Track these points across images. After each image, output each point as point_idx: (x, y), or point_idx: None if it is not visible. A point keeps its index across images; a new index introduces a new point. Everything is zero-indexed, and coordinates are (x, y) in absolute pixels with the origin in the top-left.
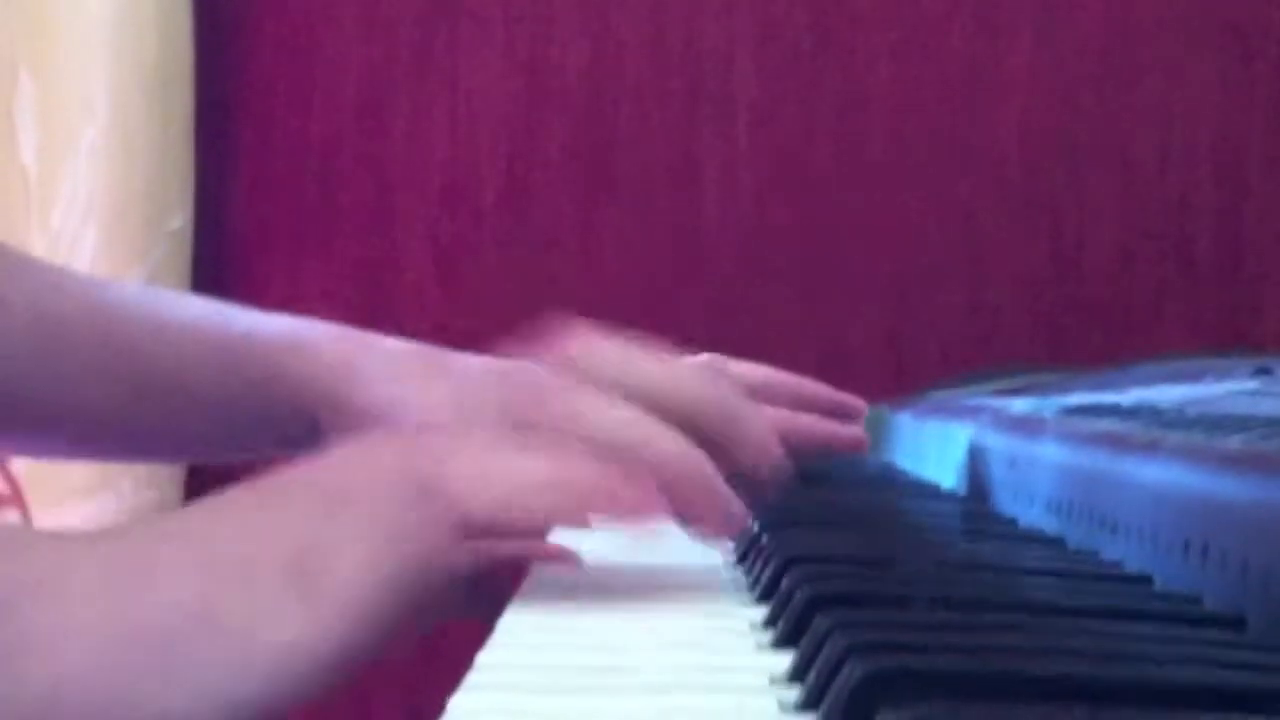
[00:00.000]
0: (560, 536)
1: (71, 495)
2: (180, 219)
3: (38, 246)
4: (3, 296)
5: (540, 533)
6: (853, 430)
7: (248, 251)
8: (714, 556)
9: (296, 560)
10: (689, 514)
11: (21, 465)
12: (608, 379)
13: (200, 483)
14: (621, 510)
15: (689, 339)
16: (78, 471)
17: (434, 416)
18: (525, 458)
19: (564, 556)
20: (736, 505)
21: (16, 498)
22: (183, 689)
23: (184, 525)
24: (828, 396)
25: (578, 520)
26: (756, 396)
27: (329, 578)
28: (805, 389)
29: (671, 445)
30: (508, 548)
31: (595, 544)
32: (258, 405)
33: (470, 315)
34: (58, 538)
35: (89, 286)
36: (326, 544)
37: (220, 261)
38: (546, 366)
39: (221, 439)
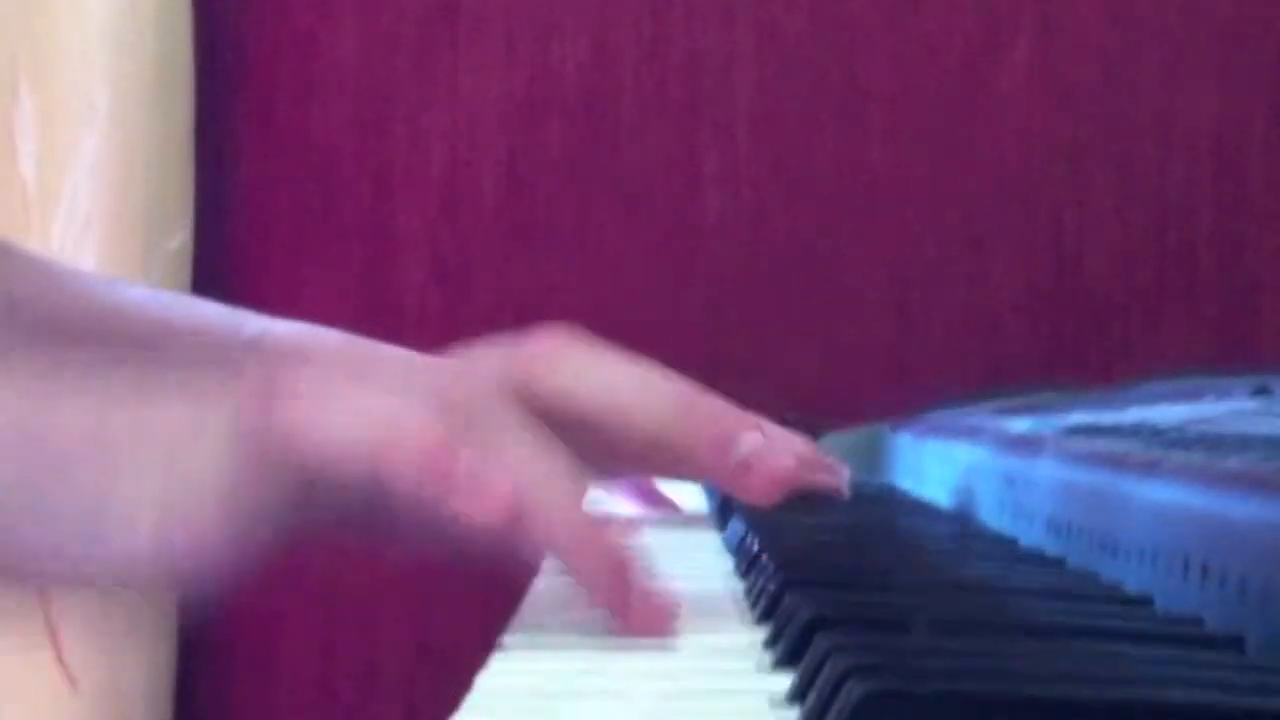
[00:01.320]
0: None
1: None
2: (180, 231)
3: None
4: (10, 293)
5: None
6: (832, 480)
7: (248, 256)
8: (713, 577)
9: (165, 449)
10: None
11: None
12: (564, 379)
13: None
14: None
15: (688, 346)
16: None
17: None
18: (380, 398)
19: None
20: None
21: None
22: (63, 516)
23: (109, 365)
24: (809, 457)
25: (398, 481)
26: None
27: (178, 475)
28: (789, 447)
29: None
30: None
31: None
32: None
33: (470, 321)
34: None
35: (97, 285)
36: (183, 447)
37: (221, 265)
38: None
39: None
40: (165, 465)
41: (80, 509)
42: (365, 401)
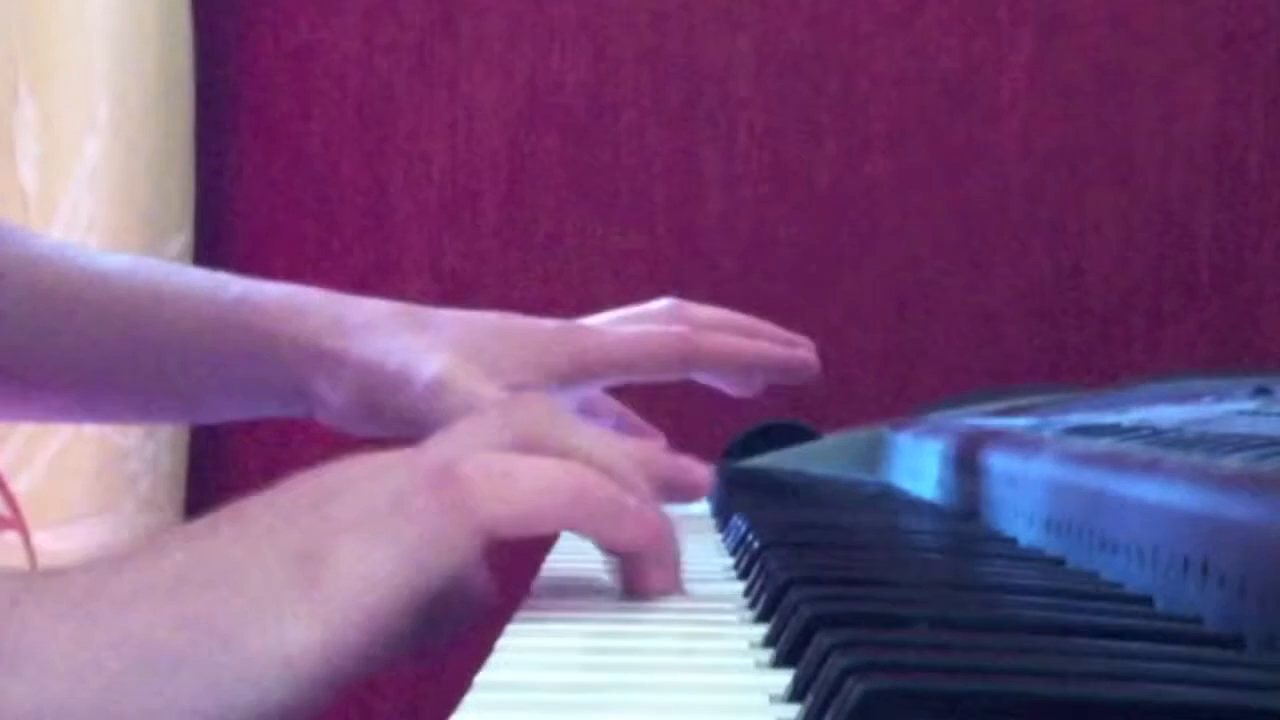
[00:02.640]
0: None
1: (72, 516)
2: (181, 236)
3: None
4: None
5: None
6: (803, 354)
7: (248, 260)
8: (713, 575)
9: (295, 563)
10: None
11: (22, 486)
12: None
13: (201, 502)
14: (628, 533)
15: None
16: (79, 493)
17: (423, 363)
18: (543, 462)
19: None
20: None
21: (17, 519)
22: (191, 705)
23: (166, 545)
24: (774, 331)
25: (595, 533)
26: (714, 329)
27: (330, 579)
28: (754, 325)
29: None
30: None
31: (591, 560)
32: (251, 365)
33: None
34: (18, 572)
35: (86, 257)
36: (325, 545)
37: (221, 268)
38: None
39: (218, 399)
40: (304, 593)
41: (211, 685)
42: (537, 470)
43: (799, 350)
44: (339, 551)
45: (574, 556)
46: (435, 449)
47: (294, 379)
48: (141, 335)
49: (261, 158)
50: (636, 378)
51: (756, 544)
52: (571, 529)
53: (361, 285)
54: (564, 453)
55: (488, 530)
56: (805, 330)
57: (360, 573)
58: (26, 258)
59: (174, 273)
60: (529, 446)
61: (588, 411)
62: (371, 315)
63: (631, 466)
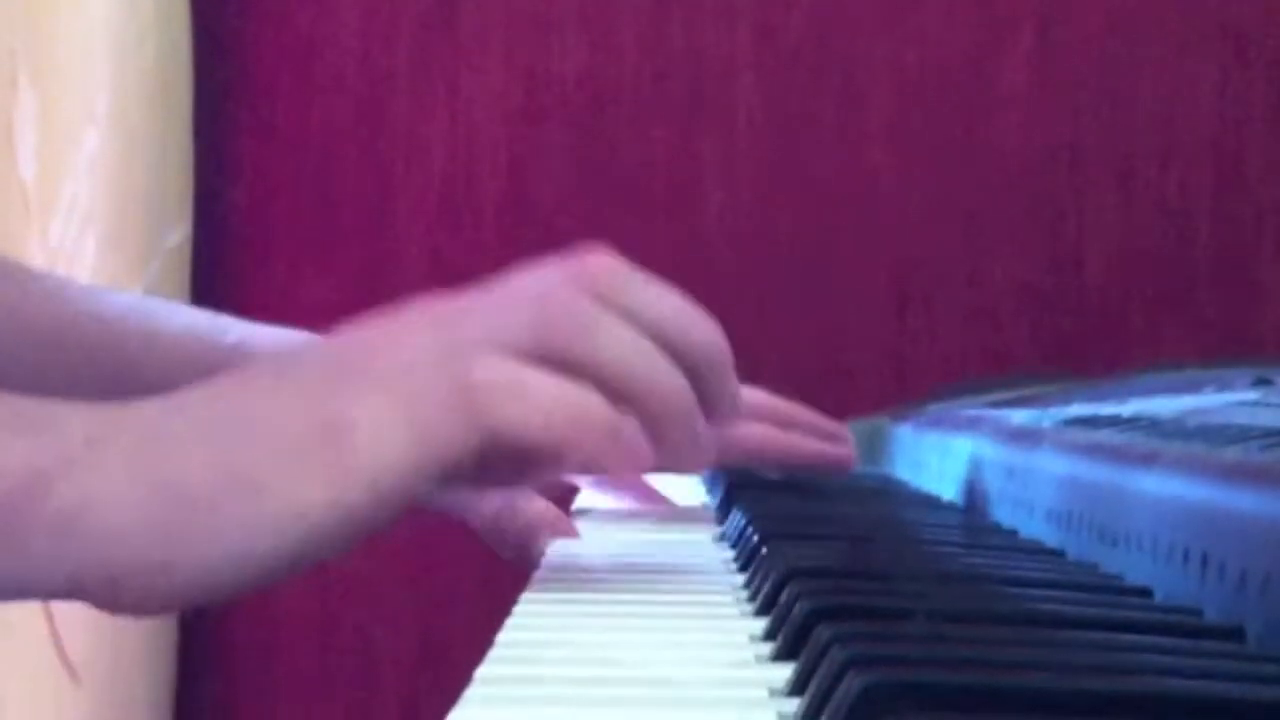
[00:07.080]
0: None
1: None
2: (180, 229)
3: (37, 259)
4: (19, 309)
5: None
6: (840, 449)
7: (248, 255)
8: (714, 568)
9: (318, 428)
10: (665, 451)
11: None
12: (620, 302)
13: None
14: (617, 462)
15: None
16: None
17: None
18: (556, 381)
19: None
20: (706, 442)
21: None
22: (223, 544)
23: (209, 393)
24: (811, 421)
25: (587, 459)
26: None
27: (348, 448)
28: (791, 412)
29: (669, 380)
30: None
31: (592, 554)
32: None
33: None
34: (85, 409)
35: (82, 295)
36: (347, 415)
37: (220, 264)
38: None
39: None
40: (322, 457)
41: (242, 528)
42: (553, 388)
43: (838, 449)
44: (359, 424)
45: (575, 549)
46: (465, 329)
47: None
48: (133, 382)
49: (261, 149)
50: None
51: (756, 536)
52: (562, 451)
53: (361, 277)
54: (581, 367)
55: (488, 435)
56: (806, 323)
57: (375, 449)
58: (20, 294)
59: (172, 314)
60: (548, 355)
61: None
62: None
63: (656, 371)
